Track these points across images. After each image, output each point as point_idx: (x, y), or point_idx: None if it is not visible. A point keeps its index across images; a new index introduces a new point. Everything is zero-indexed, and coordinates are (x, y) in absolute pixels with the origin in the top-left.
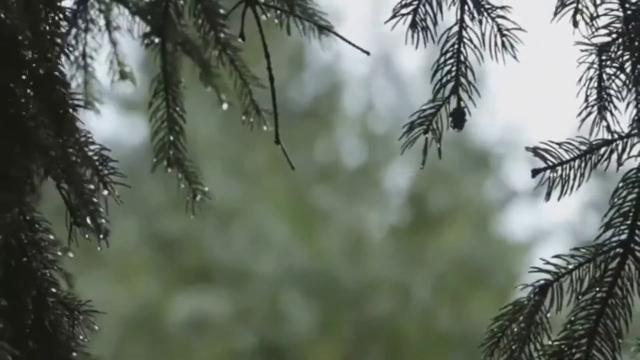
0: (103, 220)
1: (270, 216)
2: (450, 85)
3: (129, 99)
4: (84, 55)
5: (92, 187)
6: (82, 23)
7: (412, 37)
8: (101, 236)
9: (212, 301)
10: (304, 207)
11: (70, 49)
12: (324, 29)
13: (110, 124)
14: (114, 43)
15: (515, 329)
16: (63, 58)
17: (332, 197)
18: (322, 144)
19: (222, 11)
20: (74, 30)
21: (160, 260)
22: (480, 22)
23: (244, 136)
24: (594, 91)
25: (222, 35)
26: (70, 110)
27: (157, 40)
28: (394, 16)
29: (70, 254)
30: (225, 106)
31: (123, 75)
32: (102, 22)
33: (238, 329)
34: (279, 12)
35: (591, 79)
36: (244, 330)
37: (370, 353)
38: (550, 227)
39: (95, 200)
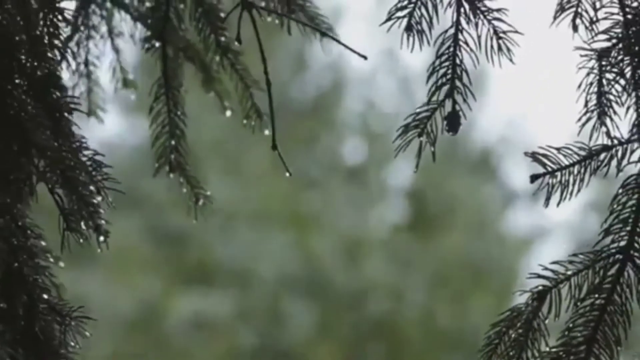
0: (103, 222)
1: (270, 217)
2: (445, 88)
3: (130, 100)
4: (86, 62)
5: (91, 188)
6: (84, 30)
7: (408, 40)
8: (101, 238)
9: (212, 302)
10: (303, 207)
11: (72, 55)
12: (323, 33)
13: (112, 123)
14: (116, 50)
15: (513, 335)
16: (63, 64)
17: (332, 197)
18: (323, 142)
19: (222, 15)
20: (76, 37)
21: (160, 260)
22: (477, 24)
23: (243, 137)
24: (594, 96)
25: (222, 39)
26: (66, 114)
27: (157, 44)
28: (389, 19)
29: (61, 264)
30: (228, 113)
31: (126, 83)
32: (104, 28)
33: (238, 330)
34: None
35: (591, 84)
36: (244, 331)
37: (370, 353)
38: (550, 226)
39: (94, 201)
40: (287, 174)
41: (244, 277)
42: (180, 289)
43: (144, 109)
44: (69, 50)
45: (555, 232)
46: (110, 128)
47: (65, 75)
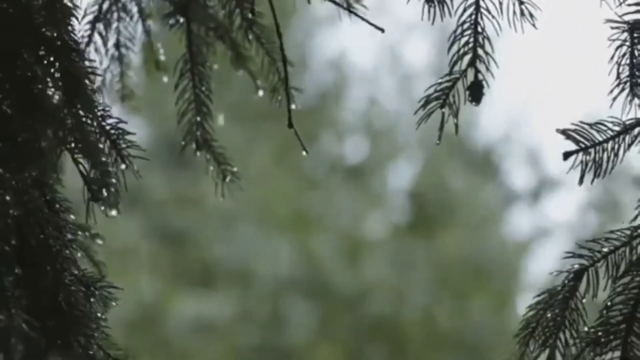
0: (114, 181)
1: (270, 217)
2: (467, 57)
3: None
4: (117, 45)
5: (102, 148)
6: (114, 11)
7: (429, 12)
8: (112, 191)
9: (212, 303)
10: (304, 207)
11: (101, 37)
12: (340, 6)
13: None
14: (147, 32)
15: (550, 315)
16: (88, 40)
17: (332, 196)
18: (324, 142)
19: None
20: (103, 18)
21: (160, 260)
22: None
23: (247, 133)
24: (626, 68)
25: (247, 13)
26: (84, 80)
27: (181, 20)
28: None
29: (99, 241)
30: (261, 93)
31: (158, 66)
32: (134, 9)
33: (239, 331)
34: None
35: (623, 55)
36: (245, 332)
37: (371, 354)
38: (550, 226)
39: (104, 160)
40: (304, 153)
41: (245, 278)
42: (181, 289)
43: (144, 109)
44: (96, 33)
45: (555, 232)
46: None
47: (96, 59)
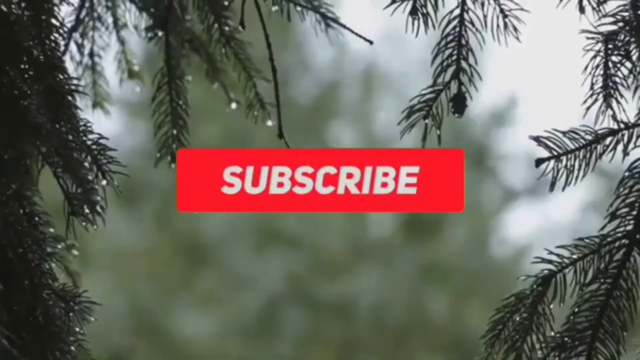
0: (98, 198)
1: (261, 221)
2: (451, 70)
3: (128, 102)
4: (91, 54)
5: (87, 166)
6: (89, 21)
7: (413, 24)
8: (98, 209)
9: (204, 313)
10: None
11: (77, 47)
12: (327, 19)
13: (110, 126)
14: (121, 41)
15: (517, 319)
16: (67, 55)
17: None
18: (319, 142)
19: (225, 3)
20: (80, 28)
21: (156, 270)
22: (482, 4)
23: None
24: (600, 79)
25: (226, 28)
26: (68, 97)
27: (160, 33)
28: (393, 2)
29: (75, 252)
30: (234, 105)
31: (131, 74)
32: (109, 19)
33: (228, 343)
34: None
35: (597, 66)
36: (234, 343)
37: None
38: (550, 227)
39: (90, 178)
40: None
41: (235, 287)
42: (174, 298)
43: (143, 111)
44: (73, 42)
45: (555, 232)
46: (107, 131)
47: (70, 67)
